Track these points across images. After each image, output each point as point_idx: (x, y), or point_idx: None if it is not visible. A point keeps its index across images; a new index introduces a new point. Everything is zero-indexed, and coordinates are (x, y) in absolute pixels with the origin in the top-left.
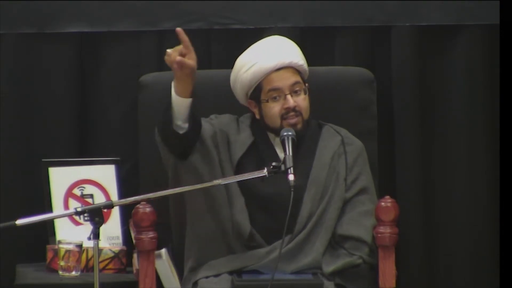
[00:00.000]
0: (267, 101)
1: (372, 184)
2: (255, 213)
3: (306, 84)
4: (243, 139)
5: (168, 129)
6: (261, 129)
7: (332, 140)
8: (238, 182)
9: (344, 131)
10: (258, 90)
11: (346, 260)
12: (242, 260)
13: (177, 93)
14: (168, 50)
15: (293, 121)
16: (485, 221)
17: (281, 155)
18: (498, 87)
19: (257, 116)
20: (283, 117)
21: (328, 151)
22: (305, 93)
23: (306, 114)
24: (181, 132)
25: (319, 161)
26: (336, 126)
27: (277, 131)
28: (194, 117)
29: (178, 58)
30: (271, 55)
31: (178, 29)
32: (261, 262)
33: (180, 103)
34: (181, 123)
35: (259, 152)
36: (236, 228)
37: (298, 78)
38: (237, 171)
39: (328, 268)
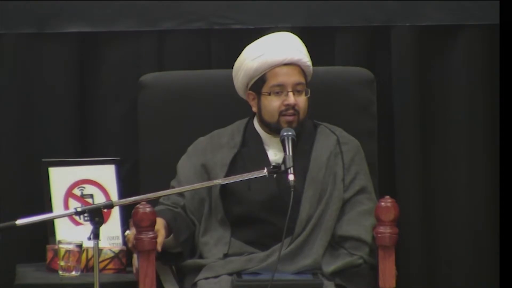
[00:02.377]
0: (269, 94)
1: (370, 182)
2: (250, 221)
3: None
4: (221, 160)
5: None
6: (254, 134)
7: (328, 140)
8: (224, 194)
9: (339, 130)
10: (261, 82)
11: (346, 260)
12: (242, 263)
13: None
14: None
15: (290, 118)
16: (485, 221)
17: (273, 158)
18: (498, 87)
19: (254, 109)
20: (282, 113)
21: (324, 152)
22: (306, 95)
23: (303, 115)
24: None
25: (315, 162)
26: (331, 126)
27: (272, 127)
28: (183, 241)
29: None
30: (281, 49)
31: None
32: (261, 265)
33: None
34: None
35: (244, 164)
36: None
37: (303, 79)
38: (223, 192)
39: (329, 268)
